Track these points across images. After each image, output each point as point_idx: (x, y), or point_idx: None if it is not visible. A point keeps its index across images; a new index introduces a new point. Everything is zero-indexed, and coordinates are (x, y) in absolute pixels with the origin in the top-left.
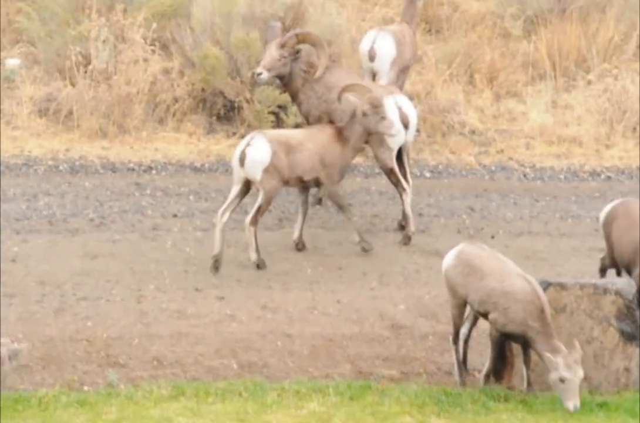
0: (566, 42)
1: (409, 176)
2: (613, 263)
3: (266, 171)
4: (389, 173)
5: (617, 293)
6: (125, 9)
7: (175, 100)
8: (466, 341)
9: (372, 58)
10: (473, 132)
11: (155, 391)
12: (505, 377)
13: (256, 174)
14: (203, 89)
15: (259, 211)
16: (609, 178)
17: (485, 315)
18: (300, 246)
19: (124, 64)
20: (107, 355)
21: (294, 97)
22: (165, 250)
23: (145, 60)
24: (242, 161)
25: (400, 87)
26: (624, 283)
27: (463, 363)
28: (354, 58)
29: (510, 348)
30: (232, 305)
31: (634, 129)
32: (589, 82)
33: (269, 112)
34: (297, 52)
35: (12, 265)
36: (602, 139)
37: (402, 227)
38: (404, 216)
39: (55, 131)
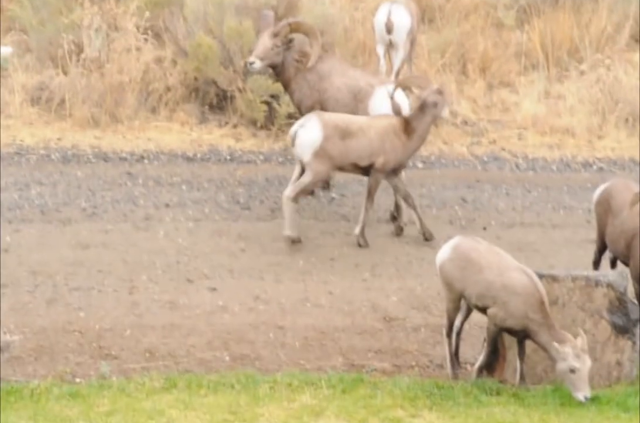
0: (559, 32)
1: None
2: (602, 245)
3: (316, 154)
4: None
5: (609, 285)
6: None
7: (168, 89)
8: (458, 334)
9: (389, 30)
10: (465, 122)
11: (148, 383)
12: (498, 370)
13: (305, 156)
14: (195, 78)
15: (301, 190)
16: (601, 168)
17: (482, 309)
18: (362, 242)
19: (116, 52)
20: (100, 347)
21: (287, 87)
22: (157, 240)
23: (138, 49)
24: (293, 140)
25: (410, 58)
26: (616, 275)
27: (455, 356)
28: (347, 47)
29: (502, 342)
30: (224, 296)
31: (627, 119)
32: (582, 73)
33: (262, 102)
34: (290, 41)
35: (4, 254)
36: (595, 130)
37: (395, 218)
38: (396, 207)
39: (47, 119)
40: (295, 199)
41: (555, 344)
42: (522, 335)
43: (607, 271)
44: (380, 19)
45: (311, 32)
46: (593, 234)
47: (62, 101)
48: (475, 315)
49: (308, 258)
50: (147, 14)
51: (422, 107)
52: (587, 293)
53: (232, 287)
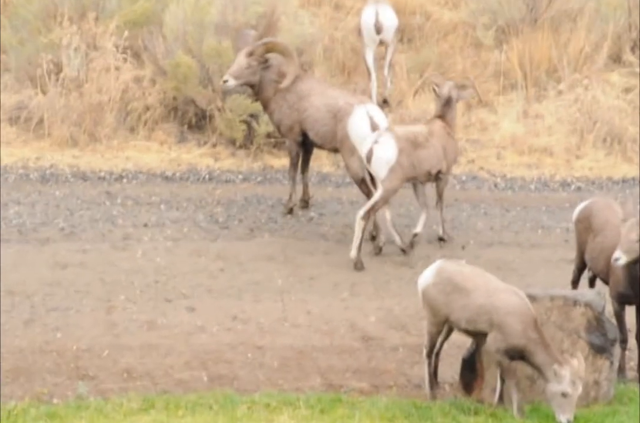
0: (537, 52)
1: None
2: (582, 264)
3: (392, 170)
4: (360, 182)
5: (587, 305)
6: (97, 16)
7: (147, 108)
8: (437, 354)
9: (379, 30)
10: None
11: (125, 404)
12: (475, 389)
13: (381, 172)
14: (174, 98)
15: (374, 207)
16: (579, 188)
17: (472, 334)
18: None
19: (95, 72)
20: (77, 367)
21: (266, 107)
22: (135, 260)
23: (117, 68)
24: (369, 158)
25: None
26: (593, 294)
27: (434, 376)
28: (327, 66)
29: (480, 361)
30: (202, 316)
31: (604, 139)
32: (560, 92)
33: (241, 121)
34: (266, 61)
35: None
36: (573, 150)
37: (374, 237)
38: (375, 226)
39: (26, 139)
40: (366, 217)
41: (556, 366)
42: (518, 357)
43: (585, 291)
44: (368, 21)
45: (286, 52)
46: (571, 254)
47: (41, 121)
48: (453, 335)
49: (287, 277)
50: (126, 33)
51: (448, 103)
52: (565, 313)
53: (211, 307)
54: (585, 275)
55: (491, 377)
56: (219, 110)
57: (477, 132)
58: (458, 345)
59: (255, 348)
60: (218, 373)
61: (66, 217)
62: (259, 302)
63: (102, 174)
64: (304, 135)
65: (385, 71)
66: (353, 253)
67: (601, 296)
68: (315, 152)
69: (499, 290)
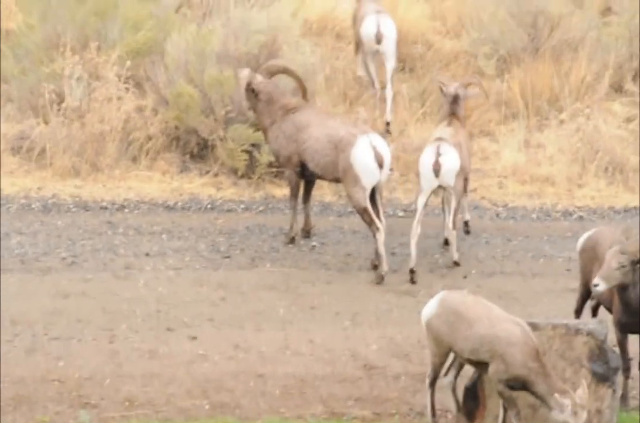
0: (539, 82)
1: (382, 215)
2: (586, 293)
3: (457, 175)
4: (362, 212)
5: (589, 333)
6: (99, 46)
7: (149, 138)
8: (454, 390)
9: (379, 41)
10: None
11: None
12: (478, 418)
13: (451, 180)
14: (176, 127)
15: (456, 213)
16: (581, 217)
17: (475, 363)
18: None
19: (97, 102)
20: (79, 396)
21: (265, 136)
22: (137, 289)
23: (119, 98)
24: (437, 171)
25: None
26: (596, 323)
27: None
28: (328, 96)
29: (482, 389)
30: (204, 345)
31: (606, 168)
32: (562, 122)
33: (243, 151)
34: (253, 90)
35: None
36: (575, 179)
37: (376, 266)
38: (377, 255)
39: (28, 169)
40: (455, 226)
41: (558, 396)
42: (521, 387)
43: (588, 320)
44: (369, 31)
45: (288, 70)
46: (573, 283)
47: (43, 151)
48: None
49: (288, 306)
50: (128, 63)
51: (456, 101)
52: (567, 341)
53: (213, 336)
54: (588, 304)
55: (493, 406)
56: (220, 139)
57: (478, 162)
58: (461, 374)
59: (257, 377)
60: (220, 402)
61: (68, 247)
62: (260, 331)
63: (104, 204)
64: (303, 165)
65: (389, 86)
66: (455, 255)
67: (603, 324)
68: (317, 181)
69: (501, 320)
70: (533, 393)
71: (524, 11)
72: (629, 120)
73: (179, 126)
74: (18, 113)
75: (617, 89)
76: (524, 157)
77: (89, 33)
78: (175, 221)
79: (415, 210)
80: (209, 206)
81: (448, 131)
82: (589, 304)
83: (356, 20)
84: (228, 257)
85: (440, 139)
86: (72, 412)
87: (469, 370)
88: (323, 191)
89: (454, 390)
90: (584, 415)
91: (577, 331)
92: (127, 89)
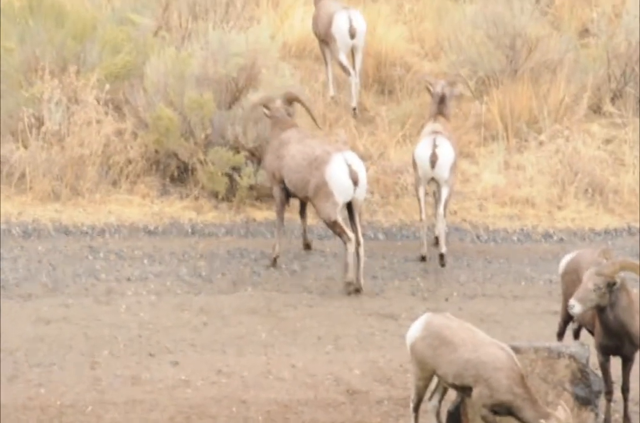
0: (518, 103)
1: (360, 236)
2: (568, 315)
3: (452, 169)
4: (332, 225)
5: (571, 356)
6: (78, 70)
7: (129, 162)
8: (438, 414)
9: (353, 35)
10: (426, 193)
11: None
12: None
13: (445, 173)
14: (156, 151)
15: (447, 203)
16: (561, 239)
17: (458, 388)
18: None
19: (77, 125)
20: None
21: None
22: (119, 314)
23: (99, 121)
24: (433, 162)
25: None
26: (578, 346)
27: None
28: (308, 118)
29: (465, 413)
30: (186, 371)
31: (586, 190)
32: (541, 143)
33: (223, 174)
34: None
35: None
36: (555, 201)
37: (357, 290)
38: (345, 264)
39: (7, 194)
40: (446, 213)
41: (543, 421)
42: (506, 412)
43: (569, 343)
44: (342, 27)
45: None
46: (555, 306)
47: (23, 175)
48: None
49: (270, 330)
50: (107, 86)
51: (443, 100)
52: (549, 365)
53: (195, 361)
54: (570, 327)
55: None
56: (201, 163)
57: (458, 184)
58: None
59: (240, 402)
60: None
61: (49, 272)
62: (242, 356)
63: (85, 228)
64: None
65: (357, 80)
66: (444, 249)
67: (585, 347)
68: (298, 205)
69: (485, 345)
70: (518, 418)
71: (502, 33)
72: (608, 141)
73: (159, 150)
74: None
75: (596, 110)
76: (504, 179)
77: (68, 56)
78: (156, 245)
79: (418, 200)
80: (189, 230)
81: (436, 127)
82: (571, 327)
83: (318, 21)
84: (209, 281)
85: (435, 132)
86: None
87: (452, 394)
88: None
89: (437, 415)
90: None
91: (559, 354)
92: (106, 112)
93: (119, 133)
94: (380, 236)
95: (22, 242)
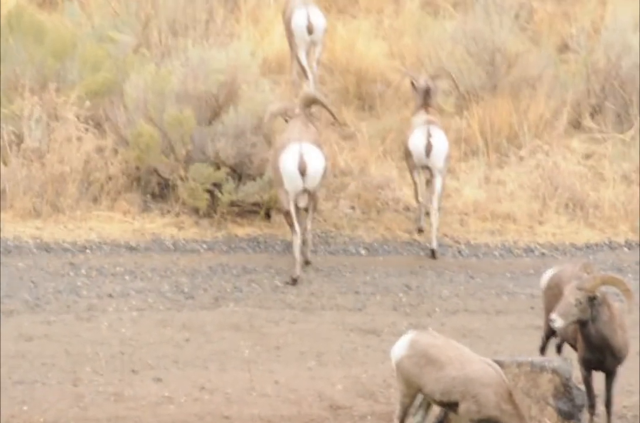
0: (498, 119)
1: (309, 221)
2: (550, 330)
3: (446, 158)
4: (285, 215)
5: (554, 371)
6: (58, 87)
7: (109, 178)
8: None
9: (310, 31)
10: (407, 208)
11: None
12: None
13: (439, 162)
14: (137, 167)
15: (441, 196)
16: (543, 254)
17: (445, 405)
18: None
19: (57, 142)
20: None
21: None
22: (101, 331)
23: (79, 138)
24: (428, 151)
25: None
26: (560, 361)
27: None
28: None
29: None
30: (169, 387)
31: (567, 205)
32: (521, 158)
33: (204, 190)
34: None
35: None
36: (535, 215)
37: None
38: (293, 258)
39: None
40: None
41: None
42: None
43: (552, 357)
44: (300, 23)
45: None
46: (537, 320)
47: (3, 192)
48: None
49: (253, 346)
50: (88, 103)
51: (428, 93)
52: (532, 379)
53: (177, 377)
54: (552, 341)
55: None
56: (181, 179)
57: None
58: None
59: (223, 418)
60: None
61: (30, 289)
62: (225, 372)
63: (66, 245)
64: None
65: (314, 69)
66: (435, 244)
67: (568, 362)
68: (280, 221)
69: (472, 362)
70: None
71: (482, 49)
72: (587, 156)
73: (140, 166)
74: None
75: (576, 125)
76: (485, 194)
77: (48, 74)
78: (138, 261)
79: (414, 183)
80: (171, 246)
81: (429, 117)
82: (554, 341)
83: (285, 15)
84: (191, 297)
85: (429, 121)
86: None
87: (436, 409)
88: (285, 230)
89: None
90: None
91: (542, 369)
92: (86, 129)
93: (100, 150)
94: (362, 251)
95: (3, 259)
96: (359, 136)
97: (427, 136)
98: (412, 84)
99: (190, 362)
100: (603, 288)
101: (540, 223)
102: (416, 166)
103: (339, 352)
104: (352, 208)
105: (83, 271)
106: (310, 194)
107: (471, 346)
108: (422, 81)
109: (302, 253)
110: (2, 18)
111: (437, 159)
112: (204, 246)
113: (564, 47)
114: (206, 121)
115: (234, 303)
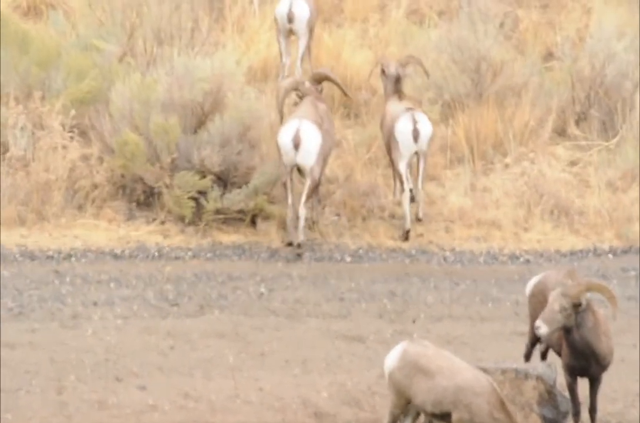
0: (483, 127)
1: (303, 200)
2: (535, 337)
3: (429, 143)
4: (284, 187)
5: (539, 378)
6: (43, 96)
7: (95, 186)
8: None
9: (290, 20)
10: (393, 216)
11: None
12: None
13: (424, 146)
14: (122, 175)
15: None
16: (528, 261)
17: (437, 415)
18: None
19: (42, 151)
20: None
21: None
22: (85, 339)
23: (64, 147)
24: (416, 138)
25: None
26: (545, 367)
27: None
28: (274, 141)
29: None
30: (153, 395)
31: (552, 212)
32: (507, 166)
33: (189, 198)
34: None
35: None
36: (521, 222)
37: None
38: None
39: None
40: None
41: None
42: None
43: (537, 364)
44: (282, 11)
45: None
46: (521, 327)
47: None
48: None
49: (238, 354)
50: (73, 112)
51: (398, 80)
52: (516, 386)
53: (162, 385)
54: (537, 348)
55: None
56: (167, 187)
57: (425, 206)
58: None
59: None
60: None
61: (14, 297)
62: (210, 379)
63: (51, 253)
64: None
65: (298, 63)
66: (421, 214)
67: (552, 368)
68: (265, 228)
69: (463, 371)
70: None
71: (467, 57)
72: (572, 163)
73: (125, 174)
74: None
75: (561, 133)
76: (470, 201)
77: (33, 83)
78: (123, 269)
79: (400, 174)
80: (156, 253)
81: (407, 104)
82: (539, 348)
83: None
84: (176, 305)
85: (410, 108)
86: None
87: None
88: (270, 237)
89: None
90: None
91: (527, 376)
92: (72, 138)
93: (85, 158)
94: (347, 258)
95: None
96: (345, 143)
97: (414, 122)
98: (383, 71)
99: (175, 370)
100: (588, 295)
101: (526, 229)
102: (402, 154)
103: (324, 359)
104: (338, 215)
105: (68, 279)
106: (307, 172)
107: (456, 353)
108: (393, 68)
109: (295, 228)
110: None
111: (424, 143)
112: (189, 253)
113: (548, 56)
114: (191, 130)
115: (219, 311)
